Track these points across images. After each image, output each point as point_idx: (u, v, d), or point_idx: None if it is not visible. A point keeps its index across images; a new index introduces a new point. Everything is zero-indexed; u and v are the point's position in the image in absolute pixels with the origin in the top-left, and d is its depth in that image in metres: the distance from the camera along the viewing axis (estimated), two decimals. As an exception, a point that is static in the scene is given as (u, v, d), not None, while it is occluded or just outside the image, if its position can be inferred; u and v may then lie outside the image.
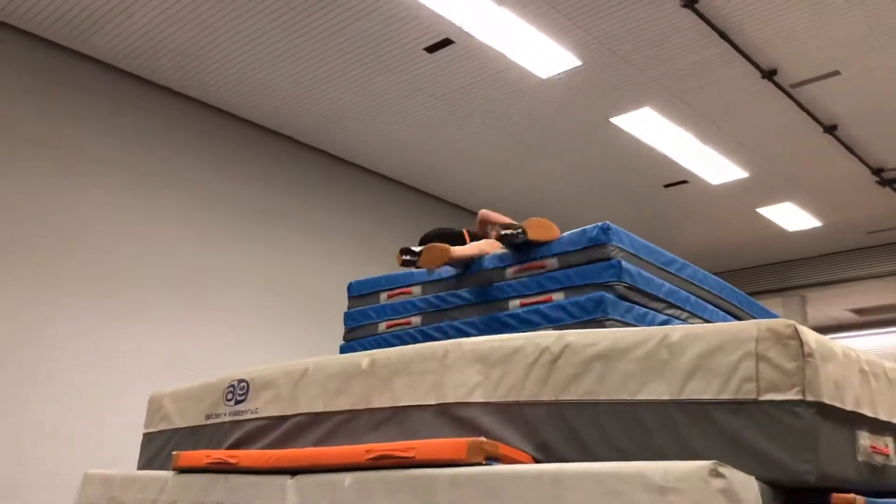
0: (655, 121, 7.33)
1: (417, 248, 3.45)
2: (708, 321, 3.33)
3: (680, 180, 8.68)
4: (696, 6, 5.71)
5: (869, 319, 12.84)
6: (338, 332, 4.14)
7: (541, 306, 3.14)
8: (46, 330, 5.73)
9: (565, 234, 3.25)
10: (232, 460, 2.47)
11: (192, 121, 6.99)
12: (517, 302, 3.26)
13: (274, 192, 7.52)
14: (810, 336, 1.72)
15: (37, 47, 6.03)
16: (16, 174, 5.81)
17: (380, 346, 3.60)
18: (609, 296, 2.93)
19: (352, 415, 2.43)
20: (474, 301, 3.42)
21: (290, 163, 7.76)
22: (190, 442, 2.97)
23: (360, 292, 4.05)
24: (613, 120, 7.35)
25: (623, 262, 3.03)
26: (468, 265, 3.49)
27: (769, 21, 5.91)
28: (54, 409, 5.62)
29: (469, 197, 9.19)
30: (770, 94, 6.87)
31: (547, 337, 2.11)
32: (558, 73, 6.56)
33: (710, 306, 3.51)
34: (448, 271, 3.49)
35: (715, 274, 3.87)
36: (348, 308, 4.07)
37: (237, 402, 2.82)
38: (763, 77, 6.57)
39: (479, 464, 1.88)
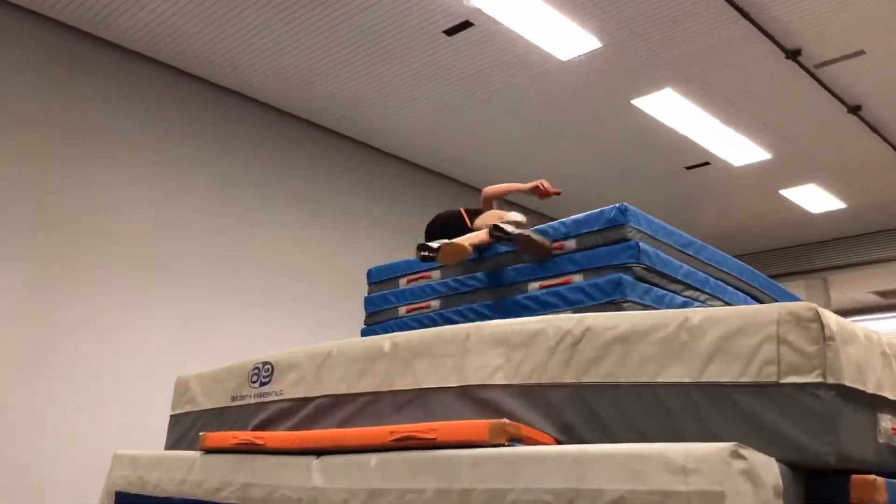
0: (677, 102, 7.27)
1: (435, 245, 3.49)
2: (728, 303, 3.33)
3: (702, 162, 8.61)
4: (719, -14, 5.65)
5: (893, 302, 12.73)
6: (359, 316, 4.18)
7: (560, 288, 3.16)
8: (59, 311, 5.77)
9: (581, 214, 3.26)
10: (259, 441, 2.52)
11: (210, 105, 7.01)
12: (536, 284, 3.28)
13: (295, 175, 7.53)
14: (831, 319, 1.72)
15: (57, 31, 6.08)
16: (30, 156, 5.82)
17: (400, 329, 3.65)
18: (627, 277, 2.94)
19: (375, 397, 2.47)
20: (493, 284, 3.45)
21: (309, 146, 7.77)
22: (215, 423, 3.03)
23: (379, 278, 4.10)
24: (634, 102, 7.29)
25: (641, 244, 3.04)
26: (482, 251, 3.52)
27: (793, 1, 5.83)
28: (72, 393, 5.69)
29: (488, 180, 8.98)
30: (793, 75, 6.79)
31: (568, 320, 2.13)
32: (578, 56, 6.51)
33: (731, 288, 3.50)
34: (466, 256, 3.52)
35: (737, 256, 3.86)
36: (368, 293, 4.12)
37: (262, 384, 2.87)
38: (787, 57, 6.49)
39: (502, 445, 1.91)
